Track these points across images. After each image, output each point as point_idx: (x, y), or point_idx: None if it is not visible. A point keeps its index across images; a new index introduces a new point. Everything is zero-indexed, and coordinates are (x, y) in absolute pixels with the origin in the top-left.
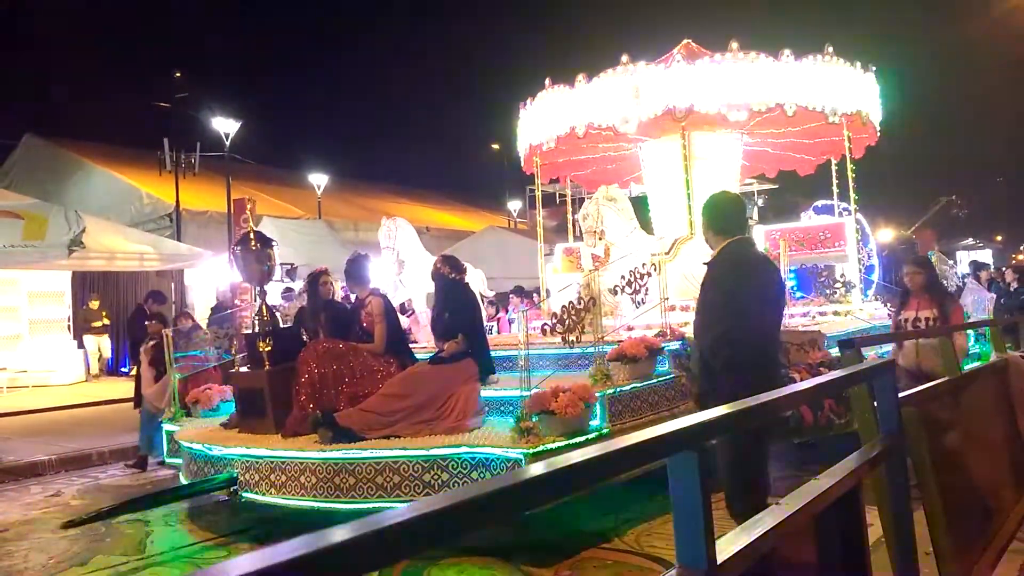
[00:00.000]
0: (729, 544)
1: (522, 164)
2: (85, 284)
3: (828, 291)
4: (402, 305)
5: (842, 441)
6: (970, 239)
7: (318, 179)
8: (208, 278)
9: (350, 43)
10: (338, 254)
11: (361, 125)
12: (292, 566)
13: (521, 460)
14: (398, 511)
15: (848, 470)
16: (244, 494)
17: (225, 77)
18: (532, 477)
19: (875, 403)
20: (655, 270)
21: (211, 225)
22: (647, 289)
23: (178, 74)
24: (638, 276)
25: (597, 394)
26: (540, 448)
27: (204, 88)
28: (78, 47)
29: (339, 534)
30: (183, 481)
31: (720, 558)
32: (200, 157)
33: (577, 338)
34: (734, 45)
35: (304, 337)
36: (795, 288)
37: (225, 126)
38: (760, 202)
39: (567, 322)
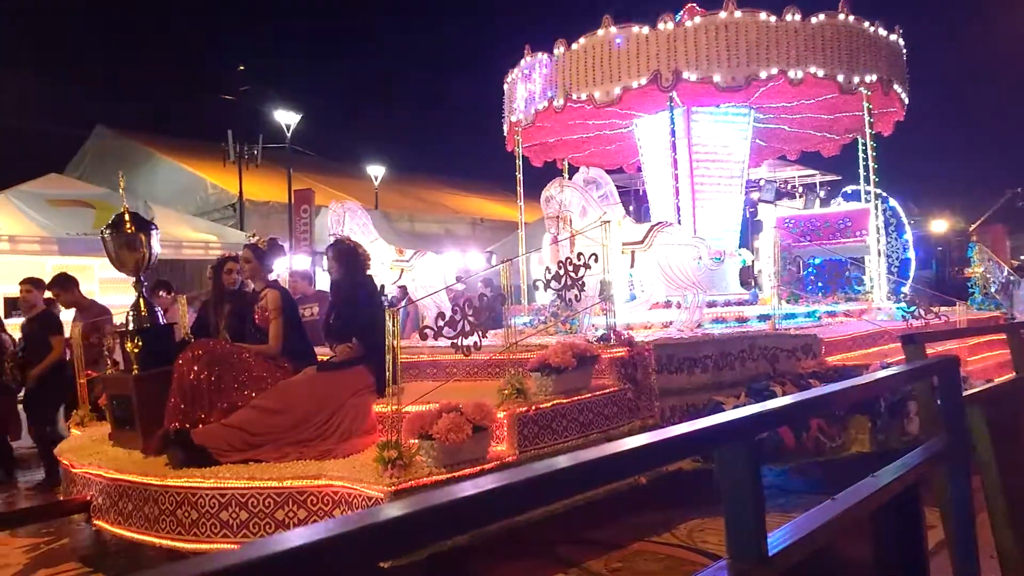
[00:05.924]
0: (781, 537)
1: (505, 143)
2: (153, 272)
3: (853, 288)
4: None
5: None
6: None
7: (375, 170)
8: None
9: (409, 36)
10: (394, 244)
11: (419, 117)
12: None
13: (380, 499)
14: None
15: (907, 467)
16: (96, 522)
17: (287, 70)
18: (580, 463)
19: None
20: (614, 261)
21: (272, 215)
22: (583, 284)
23: (242, 68)
24: (571, 268)
25: (500, 414)
26: (409, 485)
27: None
28: (148, 42)
29: None
30: (60, 498)
31: (772, 551)
32: (262, 149)
33: (476, 344)
34: (730, 3)
35: (188, 337)
36: (818, 285)
37: (286, 118)
38: (823, 194)
39: (460, 324)
